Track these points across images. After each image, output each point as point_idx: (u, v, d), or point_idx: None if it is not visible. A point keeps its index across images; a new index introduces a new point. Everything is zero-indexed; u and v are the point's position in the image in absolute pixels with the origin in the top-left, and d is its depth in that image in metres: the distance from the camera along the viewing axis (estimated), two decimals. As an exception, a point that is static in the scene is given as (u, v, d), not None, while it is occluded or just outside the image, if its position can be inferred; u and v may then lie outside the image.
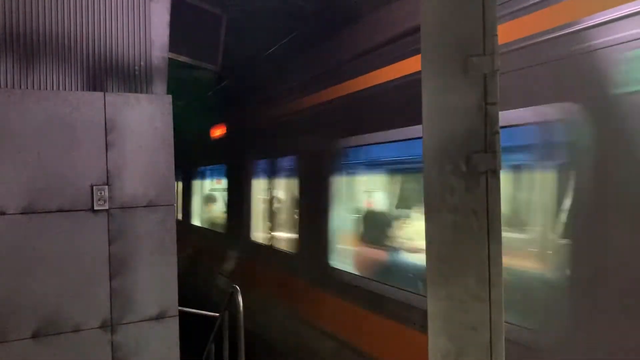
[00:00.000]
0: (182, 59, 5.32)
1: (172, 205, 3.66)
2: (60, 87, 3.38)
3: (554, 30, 2.50)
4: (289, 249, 5.24)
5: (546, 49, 2.54)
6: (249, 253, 6.26)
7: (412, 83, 3.33)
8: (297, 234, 5.06)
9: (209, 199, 9.07)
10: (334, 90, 4.52)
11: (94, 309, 3.37)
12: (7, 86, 3.22)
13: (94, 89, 3.48)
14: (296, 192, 5.13)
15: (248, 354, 4.44)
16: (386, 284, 3.68)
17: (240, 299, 4.36)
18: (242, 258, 6.49)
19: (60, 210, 3.29)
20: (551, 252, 2.65)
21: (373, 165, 4.37)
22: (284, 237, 5.47)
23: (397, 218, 4.06)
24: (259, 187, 6.19)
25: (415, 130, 3.28)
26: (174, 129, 3.64)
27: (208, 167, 8.89)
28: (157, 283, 3.56)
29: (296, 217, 5.13)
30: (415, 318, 3.26)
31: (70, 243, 3.31)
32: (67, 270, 3.30)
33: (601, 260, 2.27)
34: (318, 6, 5.13)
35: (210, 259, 7.74)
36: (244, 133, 6.82)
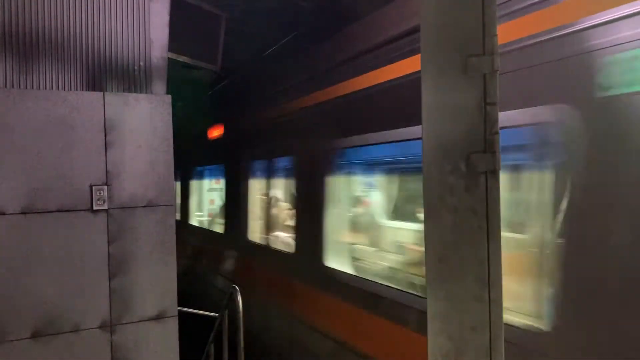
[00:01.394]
0: (182, 59, 5.32)
1: (172, 205, 3.65)
2: (60, 87, 3.38)
3: None
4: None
5: None
6: None
7: None
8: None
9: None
10: None
11: (93, 309, 3.37)
12: (6, 86, 3.22)
13: (94, 89, 3.48)
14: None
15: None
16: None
17: (239, 299, 4.36)
18: None
19: (60, 210, 3.29)
20: None
21: None
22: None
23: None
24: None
25: None
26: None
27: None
28: (156, 283, 3.56)
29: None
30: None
31: (70, 243, 3.31)
32: (67, 270, 3.29)
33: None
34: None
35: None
36: None
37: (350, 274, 4.12)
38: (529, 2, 2.64)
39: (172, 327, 3.61)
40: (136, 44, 3.61)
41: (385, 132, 3.72)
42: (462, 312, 1.01)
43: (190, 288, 7.40)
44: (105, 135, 3.42)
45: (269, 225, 5.83)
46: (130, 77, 3.60)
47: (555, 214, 2.48)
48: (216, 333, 4.80)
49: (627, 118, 2.15)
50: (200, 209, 9.80)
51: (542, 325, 2.49)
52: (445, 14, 1.04)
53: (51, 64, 3.36)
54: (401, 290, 3.55)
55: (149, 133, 3.56)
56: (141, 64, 3.63)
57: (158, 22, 3.68)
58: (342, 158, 4.44)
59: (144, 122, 3.55)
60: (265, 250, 5.69)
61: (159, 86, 3.69)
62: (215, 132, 7.85)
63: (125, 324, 3.46)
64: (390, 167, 4.47)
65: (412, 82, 3.38)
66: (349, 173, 4.58)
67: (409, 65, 3.53)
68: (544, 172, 2.69)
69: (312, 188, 4.63)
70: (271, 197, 5.98)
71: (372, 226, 4.56)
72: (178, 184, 9.78)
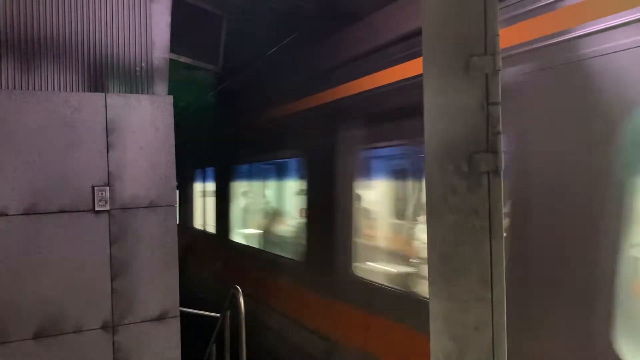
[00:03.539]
0: (183, 59, 5.32)
1: (173, 205, 3.66)
2: (62, 88, 3.38)
3: None
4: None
5: None
6: None
7: None
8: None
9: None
10: None
11: (95, 309, 3.37)
12: (8, 87, 3.22)
13: (95, 90, 3.48)
14: None
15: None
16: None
17: (241, 299, 4.36)
18: None
19: (62, 211, 3.29)
20: None
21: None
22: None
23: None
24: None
25: None
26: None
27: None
28: (158, 284, 3.56)
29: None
30: None
31: (72, 244, 3.31)
32: (69, 270, 3.30)
33: None
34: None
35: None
36: None
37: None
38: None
39: (174, 327, 3.61)
40: (137, 45, 3.61)
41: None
42: (465, 312, 1.01)
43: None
44: (107, 136, 3.42)
45: (205, 216, 8.67)
46: (132, 78, 3.60)
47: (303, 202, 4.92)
48: (218, 333, 4.81)
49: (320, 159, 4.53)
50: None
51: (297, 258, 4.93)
52: (446, 13, 1.04)
53: (53, 65, 3.36)
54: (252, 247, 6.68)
55: (151, 134, 3.57)
56: (143, 64, 3.63)
57: (159, 23, 3.69)
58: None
59: (146, 122, 3.56)
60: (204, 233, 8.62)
61: (161, 87, 3.69)
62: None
63: (128, 324, 3.46)
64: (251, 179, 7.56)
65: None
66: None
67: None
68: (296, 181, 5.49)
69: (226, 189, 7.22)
70: (206, 195, 8.66)
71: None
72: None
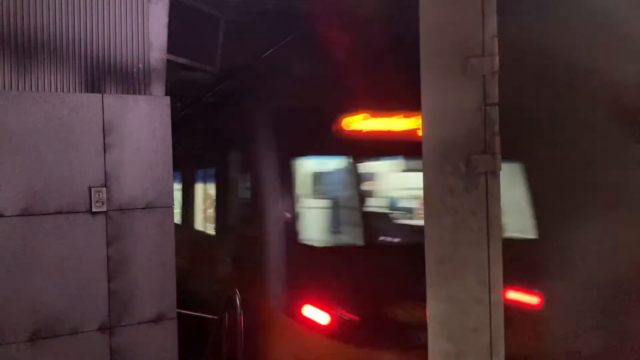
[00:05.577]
0: (181, 60, 5.32)
1: (171, 207, 3.65)
2: (59, 89, 3.37)
3: None
4: None
5: None
6: None
7: None
8: None
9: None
10: None
11: (92, 311, 3.36)
12: (4, 87, 3.21)
13: (92, 91, 3.47)
14: None
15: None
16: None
17: (238, 301, 4.35)
18: None
19: (58, 212, 3.28)
20: None
21: None
22: None
23: None
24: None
25: None
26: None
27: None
28: (155, 285, 3.55)
29: None
30: None
31: (69, 245, 3.30)
32: (65, 272, 3.28)
33: None
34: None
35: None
36: None
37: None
38: None
39: (171, 329, 3.60)
40: (135, 46, 3.60)
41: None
42: (463, 314, 1.01)
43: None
44: (104, 137, 3.42)
45: None
46: (129, 79, 3.60)
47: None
48: (215, 335, 4.79)
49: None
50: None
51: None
52: (444, 15, 1.04)
53: (50, 65, 3.35)
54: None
55: (148, 135, 3.56)
56: (140, 65, 3.62)
57: (157, 24, 3.68)
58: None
59: (143, 123, 3.55)
60: None
61: (158, 88, 3.69)
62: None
63: (124, 326, 3.45)
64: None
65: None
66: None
67: None
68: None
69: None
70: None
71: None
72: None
